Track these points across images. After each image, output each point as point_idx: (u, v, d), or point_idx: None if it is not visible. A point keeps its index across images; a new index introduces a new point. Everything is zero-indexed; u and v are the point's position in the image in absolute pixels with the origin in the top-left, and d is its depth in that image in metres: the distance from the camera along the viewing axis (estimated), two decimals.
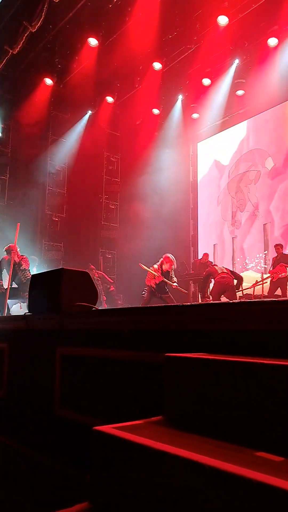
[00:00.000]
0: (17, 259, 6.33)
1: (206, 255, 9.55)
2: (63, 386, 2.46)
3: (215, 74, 9.60)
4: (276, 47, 8.45)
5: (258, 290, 8.08)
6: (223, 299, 6.72)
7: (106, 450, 1.19)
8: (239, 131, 10.60)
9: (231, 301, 1.74)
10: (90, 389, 2.26)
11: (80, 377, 2.36)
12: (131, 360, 1.99)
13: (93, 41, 8.54)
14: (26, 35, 7.54)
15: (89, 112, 10.92)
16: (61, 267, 2.84)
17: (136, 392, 1.94)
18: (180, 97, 10.57)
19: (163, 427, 1.32)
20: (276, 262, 7.79)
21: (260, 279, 8.05)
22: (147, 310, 2.26)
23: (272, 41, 8.36)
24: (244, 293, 8.12)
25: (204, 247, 10.77)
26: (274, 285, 7.69)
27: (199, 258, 10.22)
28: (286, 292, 7.49)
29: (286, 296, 7.29)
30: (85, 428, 1.37)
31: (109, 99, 10.52)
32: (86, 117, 10.95)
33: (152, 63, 9.21)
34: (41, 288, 2.93)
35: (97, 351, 2.25)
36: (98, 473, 1.21)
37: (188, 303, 2.25)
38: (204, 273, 7.40)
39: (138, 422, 1.33)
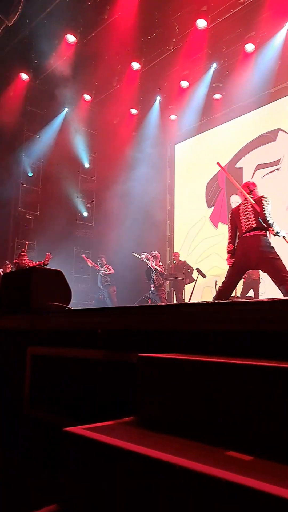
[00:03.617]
0: None
1: (176, 254, 9.62)
2: (33, 386, 2.42)
3: (193, 77, 9.69)
4: (252, 53, 8.59)
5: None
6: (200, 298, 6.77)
7: (77, 451, 1.18)
8: (216, 134, 10.72)
9: (205, 301, 1.76)
10: (61, 390, 2.23)
11: (51, 377, 2.32)
12: (104, 360, 1.98)
13: (71, 38, 8.47)
14: (2, 28, 7.40)
15: (66, 109, 10.80)
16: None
17: (108, 392, 1.93)
18: (158, 98, 10.61)
19: (135, 427, 1.31)
20: None
21: None
22: (120, 310, 2.25)
23: (249, 47, 8.50)
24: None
25: (179, 248, 10.83)
26: (246, 287, 7.82)
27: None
28: (258, 293, 7.64)
29: (258, 297, 7.43)
30: (56, 429, 1.35)
31: (87, 97, 10.45)
32: (63, 114, 10.83)
33: (131, 63, 9.21)
34: (12, 287, 2.88)
35: (69, 351, 2.22)
36: (67, 474, 1.19)
37: (163, 303, 2.25)
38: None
39: (110, 422, 1.32)
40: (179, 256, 9.49)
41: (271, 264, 3.86)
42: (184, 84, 9.81)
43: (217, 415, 1.15)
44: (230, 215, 4.40)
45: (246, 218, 4.15)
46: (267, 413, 1.04)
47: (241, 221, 4.18)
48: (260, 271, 6.21)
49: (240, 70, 8.97)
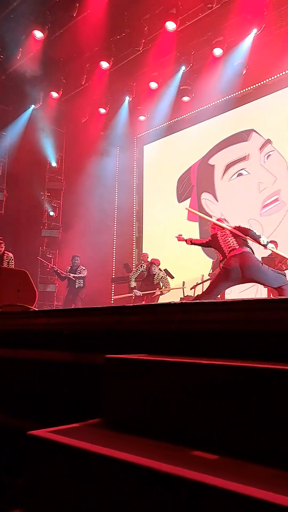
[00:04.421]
0: None
1: (145, 255, 9.64)
2: None
3: (162, 79, 9.75)
4: (220, 57, 8.75)
5: (198, 291, 8.30)
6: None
7: (41, 455, 1.15)
8: (185, 136, 10.84)
9: (172, 302, 1.78)
10: (26, 393, 2.18)
11: (14, 380, 2.27)
12: (70, 362, 1.95)
13: (38, 34, 8.32)
14: None
15: (32, 107, 10.61)
16: None
17: (74, 394, 1.90)
18: (127, 98, 10.60)
19: (101, 429, 1.30)
20: (215, 265, 8.05)
21: (200, 281, 8.28)
22: (87, 311, 2.23)
23: (217, 51, 8.64)
24: (185, 295, 8.31)
25: (148, 249, 10.87)
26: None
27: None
28: (224, 294, 7.77)
29: (224, 298, 7.56)
30: (20, 432, 1.32)
31: (54, 94, 10.29)
32: (29, 111, 10.63)
33: (100, 62, 9.15)
34: None
35: (34, 353, 2.18)
36: (31, 479, 1.17)
37: (130, 304, 2.25)
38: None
39: (75, 425, 1.31)
40: (147, 257, 9.52)
41: (260, 274, 4.33)
42: (153, 85, 9.85)
43: (183, 414, 1.16)
44: (210, 238, 4.88)
45: (226, 243, 4.61)
46: (232, 412, 1.06)
47: (221, 246, 4.62)
48: None
49: (208, 74, 9.11)
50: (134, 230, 11.50)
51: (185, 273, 9.15)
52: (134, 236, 11.49)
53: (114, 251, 11.25)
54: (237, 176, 9.66)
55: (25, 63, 8.98)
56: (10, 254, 7.19)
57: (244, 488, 0.76)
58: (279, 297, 3.48)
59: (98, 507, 0.98)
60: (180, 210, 10.60)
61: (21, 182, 10.48)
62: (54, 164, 11.59)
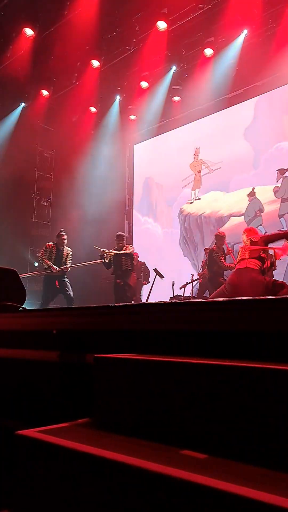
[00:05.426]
0: None
1: (135, 254, 9.62)
2: None
3: (153, 78, 9.74)
4: (211, 58, 8.77)
5: (187, 291, 8.32)
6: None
7: (30, 455, 1.15)
8: (175, 136, 10.85)
9: (162, 302, 1.78)
10: (14, 393, 2.17)
11: (3, 380, 2.25)
12: (59, 362, 1.94)
13: (29, 31, 8.26)
14: None
15: (23, 105, 10.53)
16: None
17: (63, 394, 1.89)
18: (118, 97, 10.58)
19: (90, 429, 1.30)
20: (205, 265, 8.08)
21: (190, 280, 8.30)
22: (76, 310, 2.22)
23: (208, 52, 8.67)
24: (174, 294, 8.32)
25: (138, 249, 10.87)
26: (202, 287, 7.99)
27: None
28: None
29: (213, 298, 7.59)
30: (9, 433, 1.31)
31: (45, 92, 10.22)
32: (19, 109, 10.54)
33: (90, 60, 9.11)
34: None
35: (23, 353, 2.16)
36: (20, 479, 1.16)
37: (119, 304, 2.25)
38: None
39: (64, 424, 1.30)
40: (138, 257, 9.52)
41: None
42: (144, 84, 9.85)
43: (173, 414, 1.16)
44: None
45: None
46: (221, 412, 1.06)
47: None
48: None
49: (199, 74, 9.14)
50: (124, 229, 11.48)
51: (175, 272, 9.17)
52: (124, 236, 11.46)
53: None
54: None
55: (15, 61, 8.90)
56: (70, 250, 7.45)
57: (233, 487, 0.76)
58: (271, 297, 3.51)
59: (87, 507, 0.98)
60: (169, 212, 10.63)
61: (10, 180, 10.36)
62: (43, 162, 11.51)
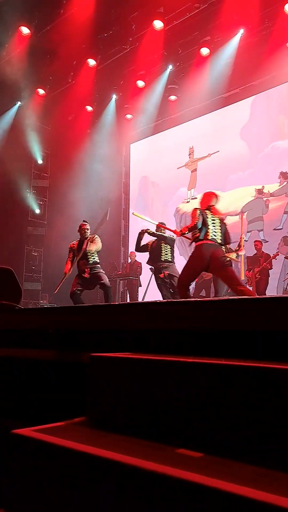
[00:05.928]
0: None
1: (132, 253, 9.62)
2: None
3: (149, 77, 9.73)
4: (207, 57, 8.78)
5: None
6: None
7: (26, 453, 1.14)
8: (171, 135, 10.85)
9: (157, 301, 1.78)
10: (10, 391, 2.16)
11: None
12: (55, 361, 1.94)
13: (25, 30, 8.23)
14: None
15: (19, 103, 10.50)
16: None
17: (59, 393, 1.89)
18: (114, 96, 10.56)
19: (86, 428, 1.30)
20: None
21: None
22: (72, 310, 2.22)
23: (204, 51, 8.67)
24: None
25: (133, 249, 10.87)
26: (198, 287, 8.01)
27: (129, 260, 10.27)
28: (209, 293, 7.83)
29: (209, 297, 7.62)
30: (4, 431, 1.30)
31: (41, 91, 10.20)
32: (15, 108, 10.51)
33: (87, 59, 9.09)
34: None
35: (18, 352, 2.16)
36: (16, 477, 1.16)
37: (115, 303, 2.25)
38: None
39: (60, 423, 1.30)
40: (135, 256, 9.51)
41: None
42: (140, 83, 9.83)
43: (168, 413, 1.16)
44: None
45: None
46: (216, 411, 1.06)
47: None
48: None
49: (195, 73, 9.14)
50: (121, 228, 11.48)
51: None
52: (121, 235, 11.47)
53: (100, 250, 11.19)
54: None
55: (12, 60, 8.87)
56: (89, 236, 6.16)
57: (229, 486, 0.77)
58: (265, 296, 3.52)
59: (82, 505, 0.98)
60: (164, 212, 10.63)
61: (5, 179, 10.33)
62: (40, 161, 11.48)
